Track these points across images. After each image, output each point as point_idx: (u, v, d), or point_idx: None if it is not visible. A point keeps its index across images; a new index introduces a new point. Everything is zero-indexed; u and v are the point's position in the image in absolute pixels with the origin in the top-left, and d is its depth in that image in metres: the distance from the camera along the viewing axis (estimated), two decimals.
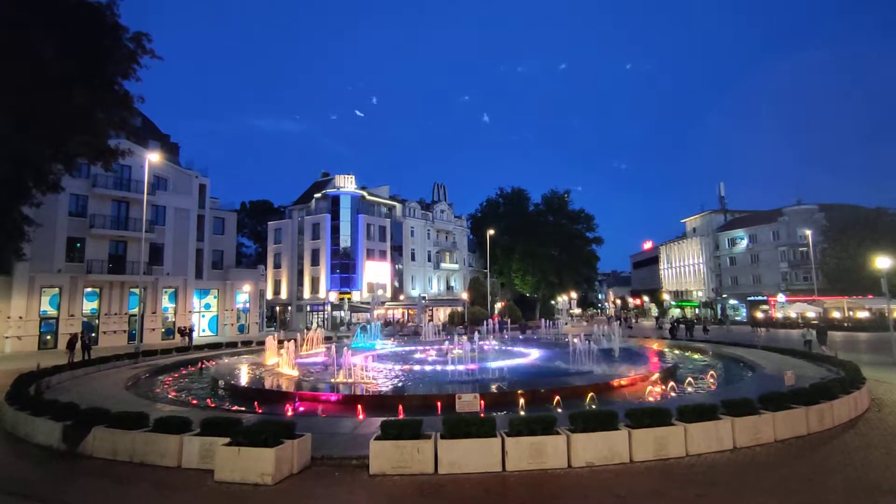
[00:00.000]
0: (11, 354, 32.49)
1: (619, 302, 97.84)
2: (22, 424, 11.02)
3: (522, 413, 10.90)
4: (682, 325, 42.31)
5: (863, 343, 32.65)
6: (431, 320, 57.88)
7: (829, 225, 58.73)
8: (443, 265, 72.24)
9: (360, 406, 13.50)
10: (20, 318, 35.17)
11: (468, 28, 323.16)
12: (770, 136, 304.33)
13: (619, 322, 45.79)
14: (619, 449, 8.44)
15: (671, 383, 15.65)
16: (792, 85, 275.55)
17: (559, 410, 11.13)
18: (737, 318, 67.44)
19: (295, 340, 22.96)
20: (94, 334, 36.23)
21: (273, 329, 50.32)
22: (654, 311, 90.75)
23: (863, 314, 52.24)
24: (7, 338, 34.44)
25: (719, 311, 73.22)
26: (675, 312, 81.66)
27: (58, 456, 9.47)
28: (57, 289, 37.30)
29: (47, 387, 15.83)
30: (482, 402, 10.40)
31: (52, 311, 37.03)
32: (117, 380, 17.74)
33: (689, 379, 16.14)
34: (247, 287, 51.20)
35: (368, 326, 35.80)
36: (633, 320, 59.70)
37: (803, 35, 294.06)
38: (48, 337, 36.57)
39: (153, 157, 33.94)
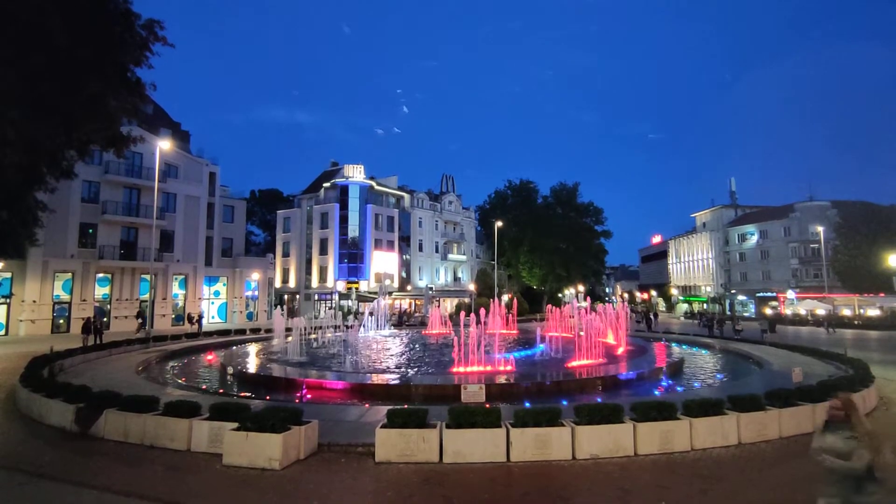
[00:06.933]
0: (25, 337, 33.09)
1: (626, 295, 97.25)
2: (36, 406, 11.24)
3: (528, 404, 10.94)
4: (713, 321, 38.30)
5: (873, 341, 32.34)
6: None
7: (842, 222, 57.90)
8: (450, 256, 72.22)
9: (366, 394, 13.64)
10: (34, 301, 35.72)
11: (475, 25, 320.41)
12: (783, 131, 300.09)
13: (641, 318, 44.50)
14: (624, 442, 8.46)
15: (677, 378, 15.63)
16: (805, 79, 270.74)
17: (564, 402, 11.17)
18: (745, 314, 66.96)
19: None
20: (105, 319, 36.73)
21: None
22: (662, 305, 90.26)
23: (874, 312, 51.67)
24: (21, 321, 35.03)
25: (727, 307, 72.74)
26: (683, 307, 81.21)
27: (70, 437, 9.66)
28: (70, 274, 37.81)
29: (60, 370, 16.08)
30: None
31: (65, 296, 37.58)
32: (128, 364, 18.02)
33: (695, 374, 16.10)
34: (256, 275, 51.56)
35: (375, 314, 35.93)
36: (651, 316, 48.22)
37: (815, 31, 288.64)
38: (61, 321, 37.15)
39: (164, 145, 34.13)
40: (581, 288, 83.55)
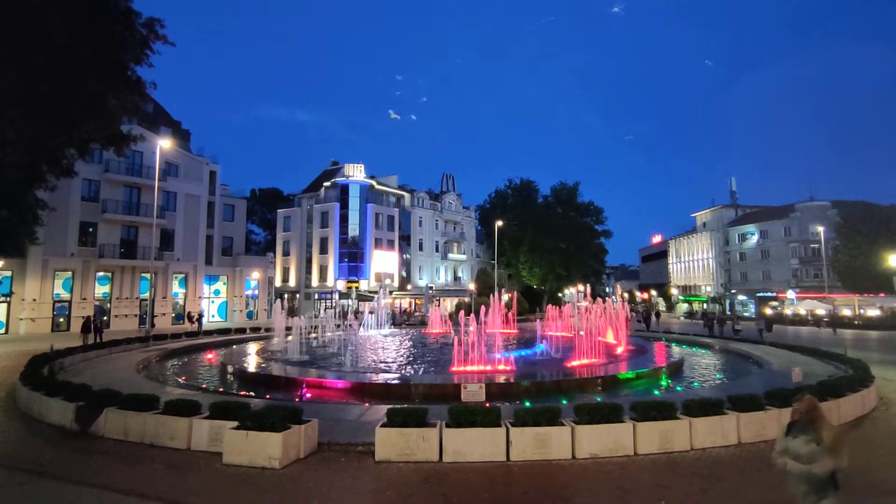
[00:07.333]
0: (26, 336, 33.10)
1: (626, 295, 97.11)
2: (36, 404, 11.25)
3: (527, 404, 10.94)
4: (714, 320, 38.46)
5: (873, 341, 32.34)
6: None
7: (843, 222, 57.88)
8: (450, 255, 72.23)
9: (366, 394, 13.64)
10: (34, 300, 35.73)
11: (475, 25, 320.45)
12: (783, 131, 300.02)
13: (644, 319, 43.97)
14: (624, 441, 8.46)
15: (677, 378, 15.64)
16: (805, 79, 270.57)
17: (564, 402, 11.16)
18: (745, 314, 67.00)
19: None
20: (105, 318, 36.74)
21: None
22: (662, 305, 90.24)
23: (874, 312, 51.66)
24: (21, 319, 35.05)
25: (728, 307, 72.74)
26: (683, 307, 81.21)
27: (70, 436, 9.67)
28: (70, 272, 37.81)
29: (60, 368, 16.07)
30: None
31: (65, 295, 37.58)
32: (128, 363, 18.01)
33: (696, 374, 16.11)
34: (256, 274, 51.57)
35: (375, 313, 35.94)
36: (654, 315, 48.93)
37: (815, 31, 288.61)
38: (61, 319, 37.15)
39: (165, 144, 34.17)
40: (581, 287, 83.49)
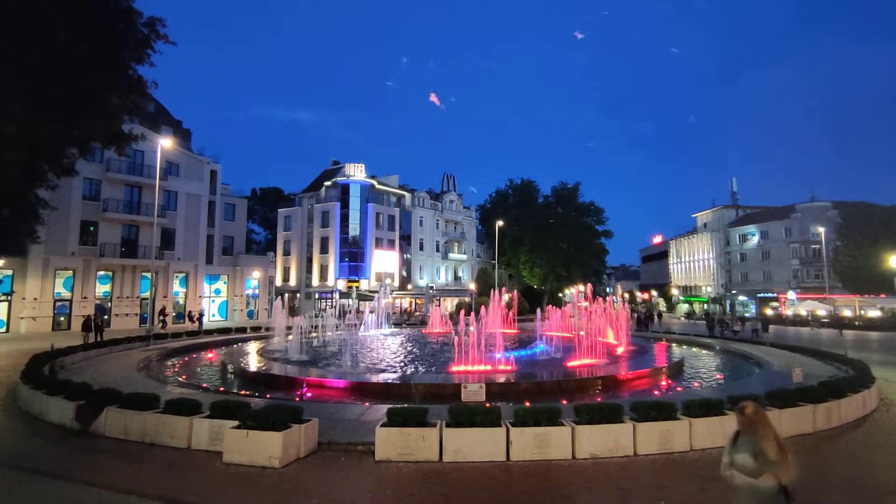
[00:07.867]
0: (26, 335, 33.12)
1: (627, 295, 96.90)
2: (36, 403, 11.26)
3: (528, 404, 10.93)
4: (714, 321, 38.21)
5: (874, 342, 32.30)
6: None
7: (843, 222, 57.77)
8: (451, 255, 72.20)
9: (366, 393, 13.63)
10: (35, 299, 35.75)
11: (475, 26, 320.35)
12: (783, 131, 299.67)
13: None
14: (624, 441, 8.46)
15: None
16: (806, 79, 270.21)
17: (564, 402, 11.15)
18: (746, 315, 66.96)
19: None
20: (105, 316, 36.75)
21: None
22: (663, 305, 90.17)
23: (874, 313, 51.61)
24: (22, 318, 35.08)
25: (728, 307, 72.69)
26: (684, 307, 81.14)
27: (71, 434, 9.67)
28: (71, 271, 37.84)
29: (61, 367, 16.10)
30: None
31: (65, 294, 37.61)
32: (129, 362, 18.03)
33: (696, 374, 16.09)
34: (256, 273, 51.58)
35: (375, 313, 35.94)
36: (655, 316, 49.09)
37: (815, 31, 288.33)
38: (62, 318, 37.17)
39: (166, 143, 34.20)
40: (582, 287, 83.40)
